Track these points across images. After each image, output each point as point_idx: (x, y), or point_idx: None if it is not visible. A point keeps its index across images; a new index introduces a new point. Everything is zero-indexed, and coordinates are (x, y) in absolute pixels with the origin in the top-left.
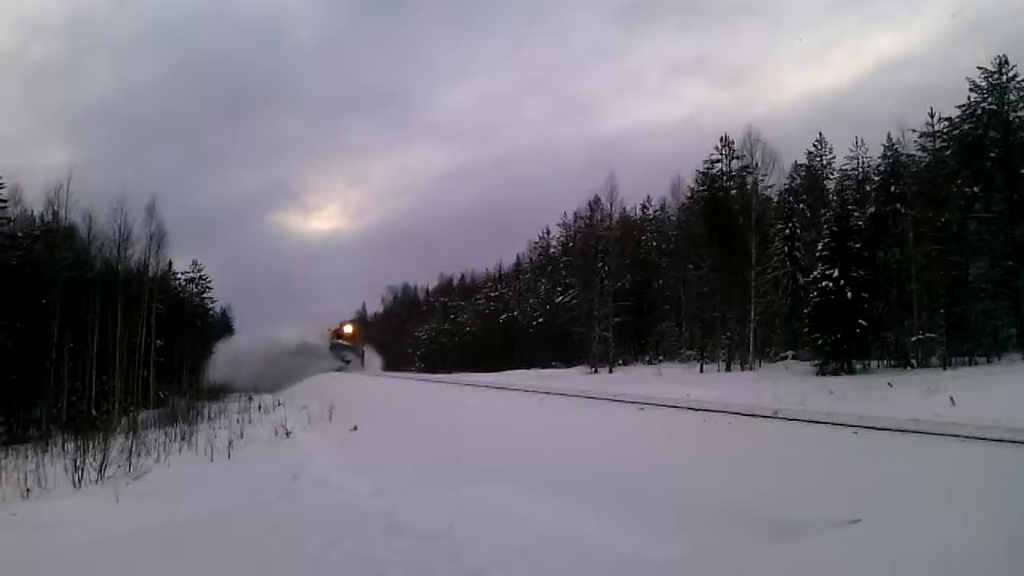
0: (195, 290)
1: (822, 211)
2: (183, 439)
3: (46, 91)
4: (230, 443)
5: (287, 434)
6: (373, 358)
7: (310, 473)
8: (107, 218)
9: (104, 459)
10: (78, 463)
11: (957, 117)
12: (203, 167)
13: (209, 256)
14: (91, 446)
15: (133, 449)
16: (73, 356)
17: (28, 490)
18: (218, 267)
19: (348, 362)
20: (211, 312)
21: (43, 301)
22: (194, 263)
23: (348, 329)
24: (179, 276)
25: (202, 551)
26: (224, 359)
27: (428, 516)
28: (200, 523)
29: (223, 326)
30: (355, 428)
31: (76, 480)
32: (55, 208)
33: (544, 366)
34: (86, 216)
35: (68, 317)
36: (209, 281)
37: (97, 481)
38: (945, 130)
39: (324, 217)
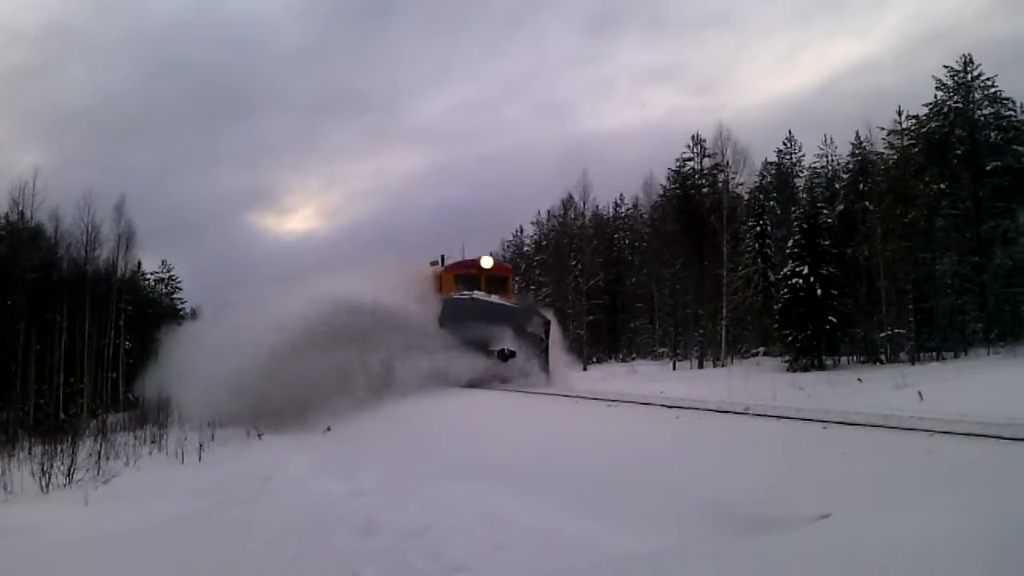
0: (164, 290)
1: (792, 209)
2: (153, 442)
3: (21, 94)
4: (201, 445)
5: (259, 436)
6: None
7: (283, 474)
8: (74, 218)
9: (72, 463)
10: (45, 467)
11: (924, 115)
12: (180, 169)
13: (185, 258)
14: (59, 450)
15: (102, 452)
16: (40, 358)
17: None
18: (194, 269)
19: (511, 356)
20: (181, 312)
21: (8, 303)
22: (163, 263)
23: (488, 263)
24: (148, 276)
25: (174, 554)
26: (176, 370)
27: (404, 515)
28: (172, 526)
29: None
30: (328, 429)
31: (44, 485)
32: (20, 208)
33: None
34: (52, 216)
35: (34, 319)
36: (179, 281)
37: (65, 485)
38: (912, 128)
39: (300, 218)
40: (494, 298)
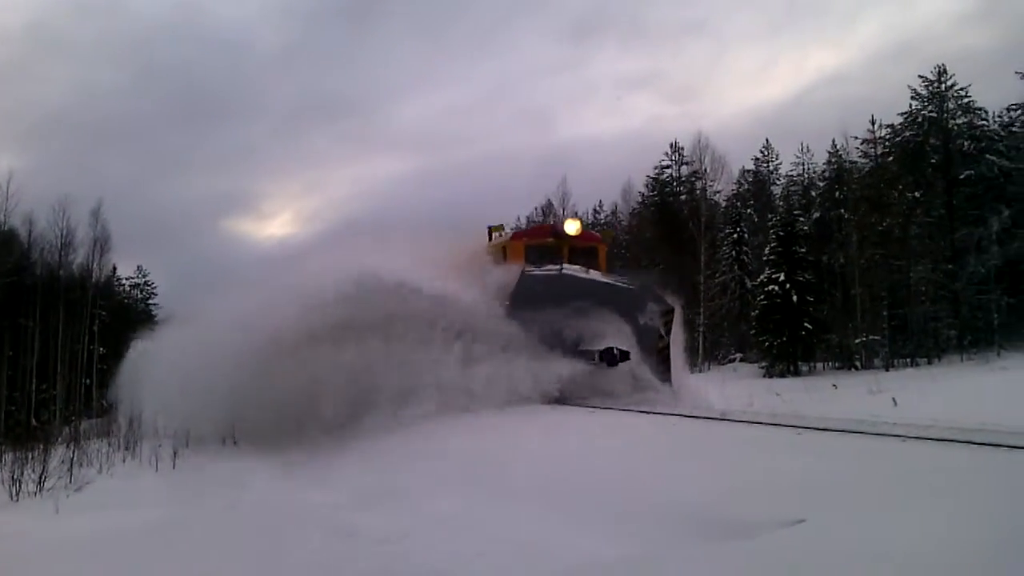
0: (140, 296)
1: (769, 216)
2: (127, 448)
3: None
4: (175, 452)
5: (235, 443)
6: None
7: (260, 481)
8: (49, 222)
9: (44, 470)
10: (15, 475)
11: (899, 124)
12: (157, 174)
13: (161, 263)
14: (30, 457)
15: (74, 459)
16: (12, 364)
17: None
18: (170, 274)
19: (622, 359)
20: (156, 318)
21: None
22: (139, 268)
23: (573, 228)
24: (124, 282)
25: (146, 562)
26: (147, 376)
27: (385, 522)
28: (145, 534)
29: None
30: (310, 436)
31: (13, 493)
32: None
33: None
34: (26, 220)
35: (7, 324)
36: (154, 287)
37: (36, 493)
38: (887, 137)
39: (278, 223)
40: (594, 275)
